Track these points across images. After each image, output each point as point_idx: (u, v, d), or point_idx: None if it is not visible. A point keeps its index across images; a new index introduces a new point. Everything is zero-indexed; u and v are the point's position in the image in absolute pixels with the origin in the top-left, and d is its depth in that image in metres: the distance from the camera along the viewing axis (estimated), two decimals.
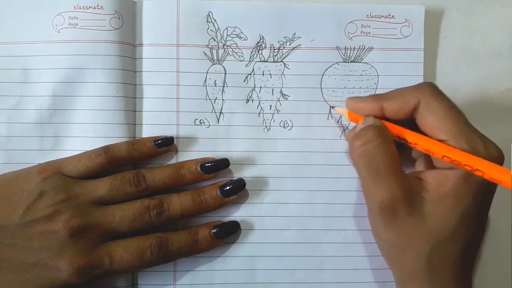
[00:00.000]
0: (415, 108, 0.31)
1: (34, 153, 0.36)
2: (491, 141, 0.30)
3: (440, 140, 0.30)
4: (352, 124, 0.38)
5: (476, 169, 0.28)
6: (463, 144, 0.29)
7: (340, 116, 0.38)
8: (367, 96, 0.34)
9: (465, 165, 0.29)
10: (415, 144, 0.31)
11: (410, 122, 0.32)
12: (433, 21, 0.39)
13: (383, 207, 0.30)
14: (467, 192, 0.30)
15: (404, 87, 0.32)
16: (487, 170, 0.28)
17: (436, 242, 0.30)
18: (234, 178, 0.37)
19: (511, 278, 0.38)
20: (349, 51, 0.38)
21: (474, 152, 0.29)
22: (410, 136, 0.31)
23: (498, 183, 0.28)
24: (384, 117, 0.33)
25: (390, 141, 0.31)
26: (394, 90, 0.33)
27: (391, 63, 0.38)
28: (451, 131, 0.30)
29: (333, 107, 0.38)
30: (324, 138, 0.38)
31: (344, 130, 0.38)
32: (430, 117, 0.30)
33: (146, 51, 0.37)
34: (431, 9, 0.39)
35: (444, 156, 0.30)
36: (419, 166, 0.35)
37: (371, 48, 0.38)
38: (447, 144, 0.30)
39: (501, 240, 0.38)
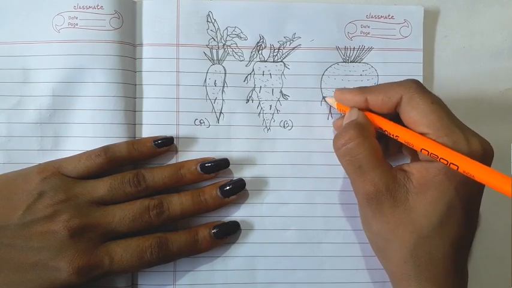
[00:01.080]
0: (398, 103, 0.32)
1: (34, 153, 0.36)
2: (477, 136, 0.30)
3: (422, 134, 0.31)
4: None
5: (451, 163, 0.28)
6: (444, 137, 0.30)
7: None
8: (353, 88, 0.35)
9: (441, 158, 0.29)
10: (397, 136, 0.32)
11: (396, 117, 0.33)
12: (433, 21, 0.39)
13: (368, 199, 0.31)
14: (449, 185, 0.30)
15: (390, 82, 0.33)
16: (461, 164, 0.28)
17: (420, 235, 0.30)
18: (234, 178, 0.37)
19: (511, 278, 0.38)
20: (349, 51, 0.38)
21: (454, 146, 0.29)
22: (391, 128, 0.32)
23: (472, 177, 0.27)
24: (368, 110, 0.34)
25: (371, 137, 0.32)
26: (380, 84, 0.34)
27: (390, 63, 0.38)
28: (433, 125, 0.30)
29: (324, 97, 0.38)
30: (324, 138, 0.38)
31: None
32: (412, 112, 0.31)
33: (146, 51, 0.37)
34: (431, 9, 0.39)
35: (422, 149, 0.30)
36: (408, 158, 0.35)
37: (370, 49, 0.38)
38: (428, 137, 0.30)
39: (501, 240, 0.38)
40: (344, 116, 0.35)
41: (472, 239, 0.33)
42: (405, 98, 0.31)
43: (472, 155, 0.29)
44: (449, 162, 0.28)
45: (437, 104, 0.31)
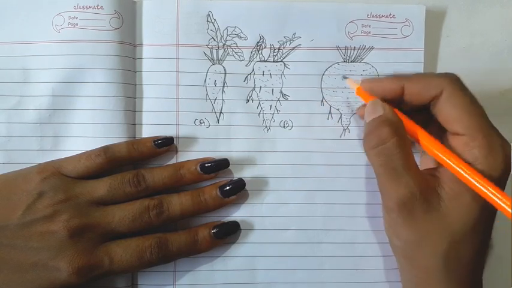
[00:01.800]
0: (436, 97, 0.31)
1: (34, 153, 0.36)
2: (508, 142, 0.30)
3: (456, 134, 0.30)
4: (352, 124, 0.38)
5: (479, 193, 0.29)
6: (481, 139, 0.29)
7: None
8: (386, 76, 0.34)
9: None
10: (428, 149, 0.31)
11: (422, 111, 0.32)
12: (433, 21, 0.39)
13: (401, 204, 0.30)
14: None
15: (430, 73, 0.33)
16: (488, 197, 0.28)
17: (453, 240, 0.30)
18: (234, 178, 0.37)
19: (511, 278, 0.38)
20: (349, 51, 0.38)
21: (491, 150, 0.29)
22: (425, 140, 0.31)
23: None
24: (398, 102, 0.32)
25: (405, 137, 0.31)
26: (418, 74, 0.33)
27: (391, 63, 0.38)
28: (469, 126, 0.30)
29: (345, 77, 0.37)
30: (324, 138, 0.38)
31: (344, 130, 0.38)
32: (451, 110, 0.30)
33: (146, 51, 0.37)
34: (432, 9, 0.39)
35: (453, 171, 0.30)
36: (429, 162, 0.34)
37: (371, 48, 0.38)
38: (464, 139, 0.30)
39: (501, 240, 0.38)
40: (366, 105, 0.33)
41: (488, 241, 0.32)
42: (446, 93, 0.30)
43: (506, 159, 0.29)
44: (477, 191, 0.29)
45: (475, 104, 0.30)
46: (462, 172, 0.29)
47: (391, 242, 0.33)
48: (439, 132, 0.32)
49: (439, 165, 0.32)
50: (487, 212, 0.30)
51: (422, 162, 0.36)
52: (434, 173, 0.31)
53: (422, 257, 0.31)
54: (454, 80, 0.31)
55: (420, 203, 0.30)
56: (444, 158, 0.30)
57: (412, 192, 0.30)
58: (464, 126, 0.30)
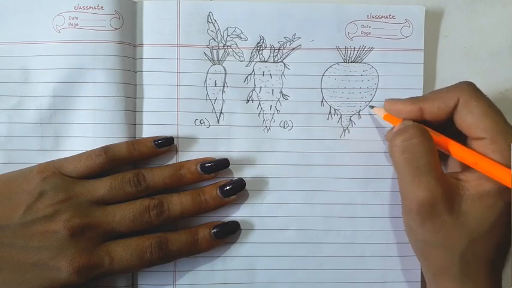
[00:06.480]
0: (455, 108, 0.32)
1: (34, 153, 0.36)
2: None
3: (478, 138, 0.31)
4: (352, 125, 0.38)
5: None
6: (501, 142, 0.30)
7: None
8: (405, 99, 0.34)
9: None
10: (457, 154, 0.31)
11: (446, 123, 0.33)
12: (433, 21, 0.39)
13: (421, 206, 0.30)
14: (506, 192, 0.30)
15: (443, 88, 0.33)
16: None
17: (471, 239, 0.30)
18: (234, 178, 0.37)
19: (511, 278, 0.38)
20: (349, 51, 0.38)
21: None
22: (453, 145, 0.32)
23: None
24: (422, 121, 0.33)
25: (431, 141, 0.32)
26: (432, 92, 0.34)
27: (391, 63, 0.38)
28: (489, 129, 0.30)
29: (371, 107, 0.38)
30: (324, 138, 0.38)
31: (344, 130, 0.38)
32: (468, 116, 0.31)
33: (146, 52, 0.37)
34: (432, 9, 0.39)
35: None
36: (456, 166, 0.34)
37: (371, 49, 0.38)
38: (485, 142, 0.30)
39: None
40: (394, 128, 0.34)
41: (510, 240, 0.32)
42: (461, 102, 0.31)
43: None
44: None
45: (492, 107, 0.31)
46: (494, 168, 0.30)
47: (408, 238, 0.34)
48: (460, 140, 0.32)
49: (463, 169, 0.33)
50: (506, 213, 0.30)
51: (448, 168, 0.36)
52: (459, 176, 0.32)
53: (440, 256, 0.31)
54: (467, 87, 0.32)
55: (441, 205, 0.30)
56: (474, 157, 0.30)
57: (434, 194, 0.30)
58: (483, 130, 0.30)
